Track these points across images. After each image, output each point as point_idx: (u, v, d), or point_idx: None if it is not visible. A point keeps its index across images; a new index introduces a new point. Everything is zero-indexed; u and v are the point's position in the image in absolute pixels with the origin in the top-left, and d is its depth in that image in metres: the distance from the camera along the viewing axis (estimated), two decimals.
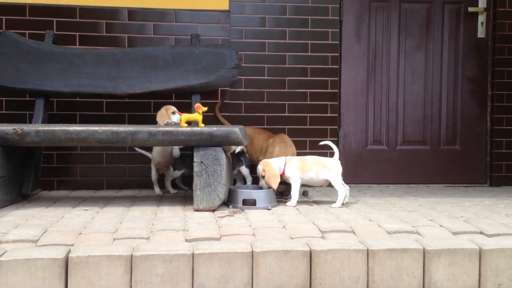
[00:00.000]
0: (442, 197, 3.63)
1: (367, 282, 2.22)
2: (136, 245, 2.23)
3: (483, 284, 2.25)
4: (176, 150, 3.59)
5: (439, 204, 3.28)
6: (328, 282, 2.20)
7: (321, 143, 3.22)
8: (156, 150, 3.60)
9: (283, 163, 3.20)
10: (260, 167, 3.21)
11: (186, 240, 2.35)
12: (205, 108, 3.20)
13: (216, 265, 2.16)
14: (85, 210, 3.03)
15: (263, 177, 3.17)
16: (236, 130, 3.03)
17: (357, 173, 4.28)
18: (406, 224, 2.60)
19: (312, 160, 3.19)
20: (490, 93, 4.38)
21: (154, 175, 3.67)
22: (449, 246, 2.24)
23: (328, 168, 3.15)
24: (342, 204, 3.15)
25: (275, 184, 3.12)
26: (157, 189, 3.69)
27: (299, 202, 3.22)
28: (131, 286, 2.13)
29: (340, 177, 3.15)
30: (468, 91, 4.39)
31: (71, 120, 3.89)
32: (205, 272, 2.15)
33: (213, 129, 3.00)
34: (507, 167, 4.34)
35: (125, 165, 3.97)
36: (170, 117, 3.48)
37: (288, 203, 3.15)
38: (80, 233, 2.43)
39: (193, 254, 2.16)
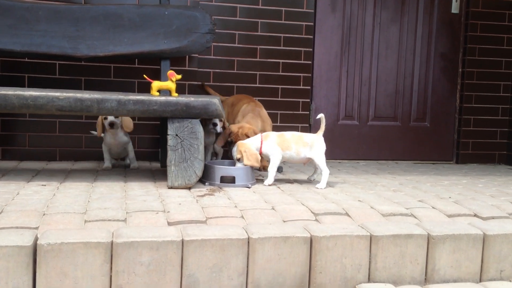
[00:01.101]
0: (417, 175, 3.57)
1: (369, 269, 2.08)
2: (116, 230, 1.95)
3: (485, 270, 2.17)
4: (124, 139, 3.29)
5: (419, 183, 3.20)
6: (329, 270, 2.03)
7: (318, 116, 2.97)
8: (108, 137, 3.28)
9: (259, 141, 2.96)
10: (235, 149, 2.97)
11: (169, 223, 2.11)
12: (179, 76, 2.90)
13: (209, 253, 1.93)
14: (42, 185, 2.69)
15: (239, 159, 2.93)
16: (216, 101, 2.77)
17: (328, 149, 4.08)
18: (398, 206, 2.48)
19: (291, 137, 2.95)
20: (460, 70, 4.35)
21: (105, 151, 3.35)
22: (454, 231, 2.14)
23: (310, 146, 2.92)
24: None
25: (257, 162, 2.90)
26: (107, 162, 3.34)
27: (277, 180, 3.03)
28: (111, 276, 1.87)
29: (324, 156, 2.96)
30: (439, 67, 4.33)
31: (18, 83, 3.46)
32: (196, 261, 1.92)
33: (190, 99, 2.72)
34: (473, 145, 4.36)
35: (81, 134, 3.60)
36: (104, 127, 3.18)
37: (265, 182, 2.94)
38: (44, 214, 2.12)
39: (182, 240, 1.92)
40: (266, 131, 3.30)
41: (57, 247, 1.82)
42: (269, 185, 2.91)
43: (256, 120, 3.38)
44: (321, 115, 2.97)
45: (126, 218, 2.13)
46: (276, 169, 2.95)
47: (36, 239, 1.84)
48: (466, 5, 4.27)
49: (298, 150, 2.91)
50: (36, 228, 1.97)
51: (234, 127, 3.24)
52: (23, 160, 3.52)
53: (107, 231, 1.94)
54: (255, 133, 3.17)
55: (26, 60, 3.45)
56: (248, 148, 2.91)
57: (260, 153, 2.95)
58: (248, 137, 3.16)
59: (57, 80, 3.52)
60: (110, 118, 3.11)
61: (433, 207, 2.50)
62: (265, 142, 2.95)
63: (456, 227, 2.19)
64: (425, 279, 2.13)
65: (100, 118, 3.16)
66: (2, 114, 3.47)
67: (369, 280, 2.08)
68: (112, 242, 1.86)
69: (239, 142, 2.97)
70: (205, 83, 3.77)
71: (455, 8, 4.25)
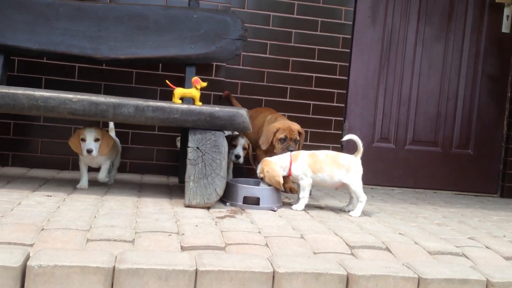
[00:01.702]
0: (461, 208, 3.22)
1: None
2: (120, 253, 1.68)
3: None
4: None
5: (465, 217, 2.86)
6: None
7: (345, 137, 2.64)
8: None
9: (288, 161, 2.64)
10: (259, 167, 2.67)
11: (182, 248, 1.83)
12: (205, 84, 2.65)
13: (227, 287, 1.64)
14: (48, 196, 2.45)
15: (262, 179, 2.64)
16: (243, 112, 2.50)
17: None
18: (447, 243, 2.15)
19: (325, 157, 2.62)
20: (509, 94, 4.00)
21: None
22: None
23: (346, 169, 2.58)
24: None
25: (278, 185, 2.60)
26: (83, 181, 2.74)
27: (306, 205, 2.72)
28: None
29: (361, 181, 2.62)
30: (486, 90, 3.99)
31: (35, 85, 3.25)
32: None
33: (215, 109, 2.46)
34: None
35: None
36: (81, 146, 2.59)
37: (294, 207, 2.63)
38: (42, 229, 1.88)
39: (196, 270, 1.63)
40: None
41: (49, 271, 1.55)
42: (300, 210, 2.62)
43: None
44: (351, 137, 2.62)
45: (134, 239, 1.86)
46: (308, 195, 2.65)
47: (27, 259, 1.58)
48: None
49: (332, 173, 2.58)
50: (31, 245, 1.72)
51: (279, 124, 2.95)
52: (33, 168, 3.29)
53: (109, 255, 1.66)
54: (297, 145, 2.92)
55: (44, 60, 3.25)
56: (271, 169, 2.60)
57: (289, 175, 2.65)
58: (296, 140, 2.92)
59: (76, 83, 3.30)
60: (88, 142, 2.58)
61: (487, 247, 2.17)
62: (295, 163, 2.63)
63: None
64: None
65: (77, 134, 2.64)
66: (14, 118, 3.26)
67: None
68: (114, 268, 1.59)
69: (265, 160, 2.67)
70: (231, 94, 3.50)
71: (505, 27, 3.93)
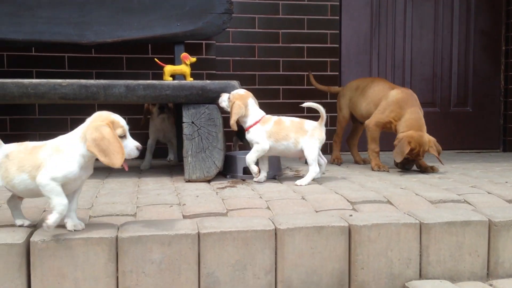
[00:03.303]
0: (463, 163, 3.21)
1: (420, 264, 1.75)
2: (122, 224, 1.68)
3: None
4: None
5: (467, 170, 2.85)
6: (372, 266, 1.72)
7: (304, 104, 2.42)
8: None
9: (254, 120, 2.41)
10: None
11: (184, 217, 1.83)
12: (194, 59, 2.65)
13: (230, 248, 1.65)
14: None
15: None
16: (235, 83, 2.50)
17: (361, 138, 3.80)
18: (448, 192, 2.15)
19: (291, 123, 2.40)
20: (504, 48, 3.97)
21: None
22: None
23: (310, 135, 2.37)
24: (312, 180, 2.40)
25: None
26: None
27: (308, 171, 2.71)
28: (117, 277, 1.60)
29: (318, 149, 2.40)
30: (480, 46, 3.96)
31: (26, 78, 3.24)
32: (216, 257, 1.64)
33: (206, 82, 2.46)
34: None
35: None
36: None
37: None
38: (44, 210, 1.89)
39: (198, 234, 1.63)
40: (424, 123, 2.78)
41: (53, 245, 1.56)
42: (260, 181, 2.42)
43: (420, 113, 2.80)
44: (310, 104, 2.41)
45: (136, 213, 1.86)
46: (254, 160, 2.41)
47: (30, 236, 1.58)
48: None
49: (297, 140, 2.39)
50: (34, 225, 1.72)
51: (415, 135, 2.67)
52: None
53: (111, 226, 1.67)
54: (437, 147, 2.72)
55: (33, 53, 3.24)
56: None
57: (245, 130, 2.44)
58: (422, 155, 2.70)
59: (67, 73, 3.30)
60: None
61: (489, 193, 2.16)
62: (259, 125, 2.40)
63: None
64: (487, 274, 1.79)
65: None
66: (10, 113, 3.26)
67: (421, 276, 1.75)
68: (117, 238, 1.60)
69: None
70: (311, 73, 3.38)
71: None
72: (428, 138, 2.70)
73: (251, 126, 2.41)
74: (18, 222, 1.70)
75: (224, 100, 2.42)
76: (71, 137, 1.61)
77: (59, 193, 1.55)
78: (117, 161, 1.53)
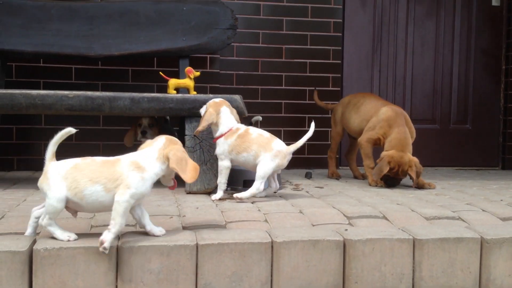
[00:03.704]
0: (461, 180, 3.25)
1: (413, 279, 1.79)
2: (122, 234, 1.73)
3: None
4: None
5: (464, 187, 2.89)
6: (366, 280, 1.76)
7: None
8: None
9: (224, 130, 2.36)
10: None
11: (183, 228, 1.88)
12: (198, 73, 2.71)
13: (227, 259, 1.69)
14: None
15: None
16: (237, 97, 2.56)
17: (358, 152, 3.85)
18: (443, 209, 2.19)
19: (258, 136, 2.32)
20: (504, 67, 4.02)
21: None
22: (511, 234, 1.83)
23: (274, 154, 2.27)
24: (251, 197, 2.30)
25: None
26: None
27: (306, 184, 2.76)
28: (117, 286, 1.65)
29: (272, 170, 2.29)
30: (481, 64, 4.01)
31: (34, 89, 3.30)
32: (213, 268, 1.68)
33: (209, 96, 2.52)
34: None
35: (99, 142, 3.43)
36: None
37: (213, 196, 2.36)
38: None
39: (197, 245, 1.68)
40: (410, 143, 2.84)
41: (55, 253, 1.61)
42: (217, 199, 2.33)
43: (408, 135, 2.83)
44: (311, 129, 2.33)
45: (136, 223, 1.90)
46: (224, 180, 2.36)
47: (33, 244, 1.63)
48: None
49: (258, 153, 2.29)
50: (37, 233, 1.77)
51: (395, 155, 2.72)
52: (38, 170, 3.35)
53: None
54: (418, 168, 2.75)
55: (41, 64, 3.32)
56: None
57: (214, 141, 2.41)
58: (405, 174, 2.74)
59: (74, 85, 3.37)
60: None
61: (483, 210, 2.20)
62: (221, 140, 2.35)
63: None
64: None
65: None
66: (16, 122, 3.32)
67: None
68: (117, 247, 1.65)
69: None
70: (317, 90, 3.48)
71: (495, 1, 3.95)
72: (409, 158, 2.74)
73: (217, 138, 2.37)
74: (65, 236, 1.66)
75: (203, 108, 2.41)
76: (146, 155, 1.69)
77: (126, 214, 1.63)
78: (194, 176, 1.70)
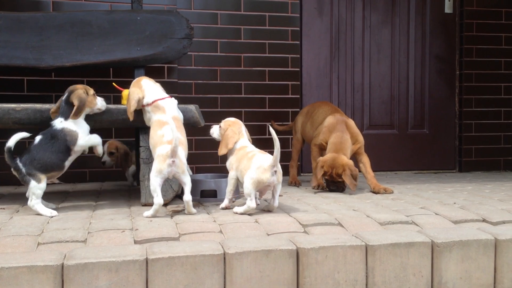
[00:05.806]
0: (418, 184, 3.29)
1: (366, 285, 1.80)
2: (69, 251, 1.68)
3: (499, 280, 1.89)
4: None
5: (421, 191, 2.93)
6: None
7: (270, 129, 2.21)
8: None
9: (240, 144, 2.40)
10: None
11: (135, 242, 1.84)
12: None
13: (178, 273, 1.66)
14: (1, 209, 2.41)
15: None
16: (192, 107, 2.53)
17: None
18: (398, 214, 2.21)
19: (248, 152, 2.32)
20: (458, 72, 4.11)
21: None
22: (461, 237, 1.86)
23: (253, 171, 2.20)
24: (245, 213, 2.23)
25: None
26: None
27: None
28: None
29: (252, 187, 2.18)
30: (436, 70, 4.09)
31: None
32: (164, 283, 1.65)
33: None
34: (476, 151, 4.09)
35: None
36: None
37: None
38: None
39: (146, 259, 1.64)
40: (357, 149, 2.97)
41: None
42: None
43: (346, 139, 2.91)
44: (273, 133, 2.17)
45: (86, 239, 1.85)
46: (230, 189, 2.37)
47: None
48: (460, 4, 4.06)
49: (245, 169, 2.25)
50: None
51: (328, 159, 2.81)
52: None
53: (58, 253, 1.67)
54: (352, 171, 2.79)
55: None
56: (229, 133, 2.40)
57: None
58: (341, 177, 2.78)
59: (26, 97, 3.28)
60: None
61: (436, 214, 2.23)
62: (232, 156, 2.38)
63: (464, 232, 1.91)
64: None
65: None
66: None
67: None
68: (62, 265, 1.59)
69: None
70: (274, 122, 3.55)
71: (448, 8, 4.04)
72: (342, 161, 2.80)
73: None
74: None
75: (215, 131, 2.47)
76: None
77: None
78: None
